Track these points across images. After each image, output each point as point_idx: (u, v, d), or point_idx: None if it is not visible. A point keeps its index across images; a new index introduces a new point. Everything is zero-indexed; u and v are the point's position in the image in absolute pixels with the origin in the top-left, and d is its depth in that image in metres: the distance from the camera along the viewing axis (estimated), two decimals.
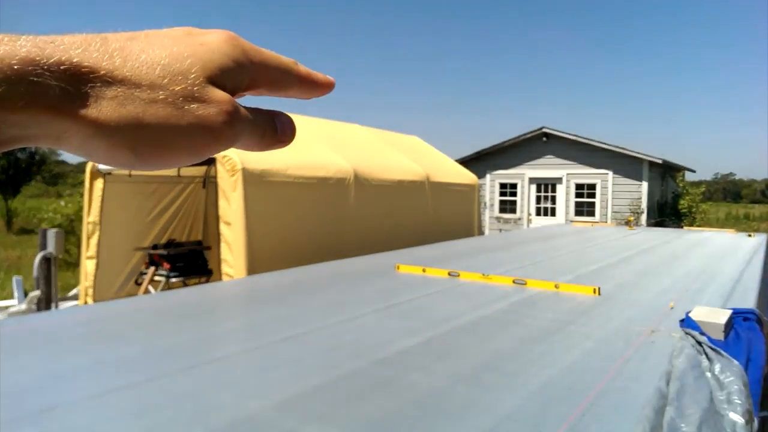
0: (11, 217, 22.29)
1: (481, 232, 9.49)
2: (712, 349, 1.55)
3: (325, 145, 6.74)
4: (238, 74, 0.32)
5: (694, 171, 19.32)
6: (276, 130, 0.35)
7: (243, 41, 0.33)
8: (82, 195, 8.56)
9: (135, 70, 0.28)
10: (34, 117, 0.25)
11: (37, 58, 0.25)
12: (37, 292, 6.13)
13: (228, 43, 0.32)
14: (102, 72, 0.27)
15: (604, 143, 14.89)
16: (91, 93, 0.27)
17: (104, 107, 0.27)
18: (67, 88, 0.26)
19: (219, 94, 0.31)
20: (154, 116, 0.28)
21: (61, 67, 0.26)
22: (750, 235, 5.92)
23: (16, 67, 0.25)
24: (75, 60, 0.26)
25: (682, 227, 11.99)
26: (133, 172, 6.68)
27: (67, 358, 1.65)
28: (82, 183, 7.42)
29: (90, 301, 6.39)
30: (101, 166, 6.36)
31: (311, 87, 0.37)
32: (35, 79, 0.25)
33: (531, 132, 16.00)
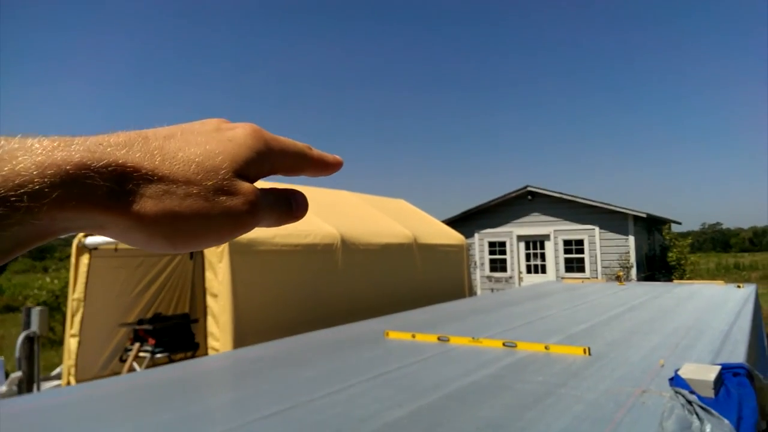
0: None
1: (472, 292, 9.44)
2: (702, 408, 1.53)
3: (311, 211, 6.80)
4: (260, 164, 0.36)
5: (679, 223, 19.60)
6: (291, 209, 0.39)
7: (265, 133, 0.37)
8: (68, 270, 8.46)
9: (173, 168, 0.32)
10: (83, 213, 0.29)
11: (89, 162, 0.29)
12: (18, 374, 5.93)
13: (252, 137, 0.36)
14: (144, 171, 0.30)
15: (588, 199, 15.16)
16: (134, 190, 0.30)
17: (145, 203, 0.30)
18: (113, 188, 0.29)
19: (245, 187, 0.34)
20: (188, 209, 0.31)
21: (109, 168, 0.29)
22: (739, 286, 5.95)
23: (71, 172, 0.28)
24: (120, 161, 0.30)
25: (672, 280, 12.03)
26: (120, 246, 6.66)
27: None
28: (69, 257, 7.35)
29: (73, 380, 6.17)
30: (88, 241, 6.33)
31: (322, 168, 0.42)
32: (87, 181, 0.28)
33: (516, 191, 16.28)
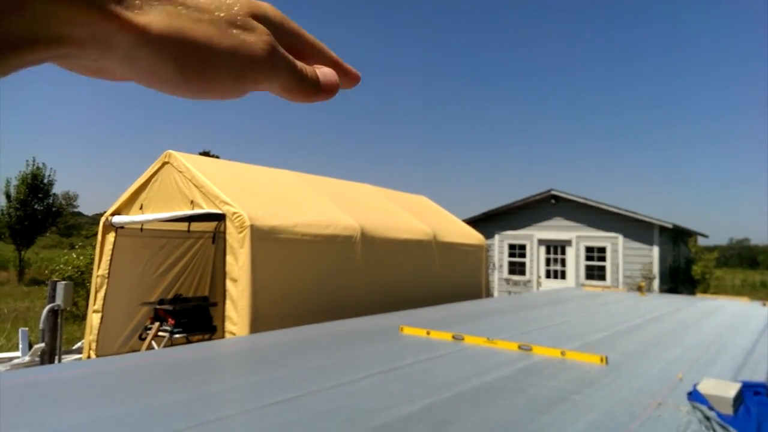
0: (23, 268, 22.45)
1: (489, 294, 9.39)
2: (720, 425, 1.49)
3: (333, 203, 6.83)
4: (277, 30, 0.34)
5: (706, 236, 19.15)
6: (317, 79, 0.36)
7: (286, 16, 0.36)
8: (94, 247, 8.64)
9: None
10: (83, 14, 0.26)
11: None
12: (41, 345, 6.09)
13: (272, 8, 0.35)
14: None
15: (613, 206, 14.90)
16: (140, 3, 0.28)
17: (153, 16, 0.28)
18: None
19: (260, 27, 0.32)
20: (198, 32, 0.29)
21: None
22: (764, 304, 5.80)
23: None
24: None
25: (695, 294, 11.78)
26: (145, 227, 6.78)
27: (57, 415, 1.63)
28: (95, 235, 7.52)
29: (93, 355, 6.33)
30: (115, 219, 6.46)
31: (339, 72, 0.38)
32: None
33: (540, 194, 16.09)
